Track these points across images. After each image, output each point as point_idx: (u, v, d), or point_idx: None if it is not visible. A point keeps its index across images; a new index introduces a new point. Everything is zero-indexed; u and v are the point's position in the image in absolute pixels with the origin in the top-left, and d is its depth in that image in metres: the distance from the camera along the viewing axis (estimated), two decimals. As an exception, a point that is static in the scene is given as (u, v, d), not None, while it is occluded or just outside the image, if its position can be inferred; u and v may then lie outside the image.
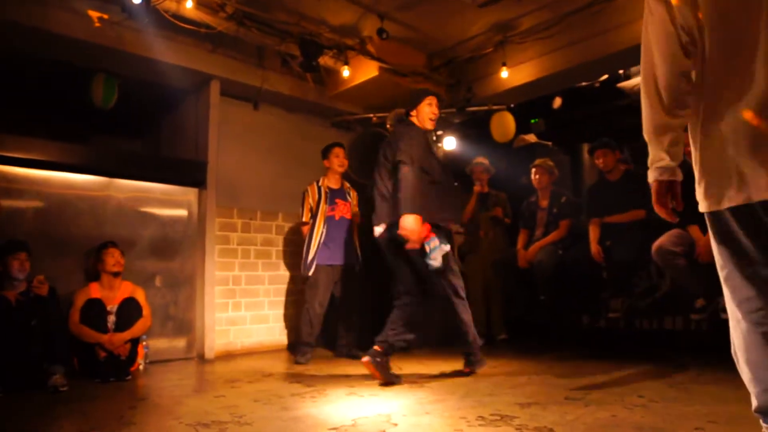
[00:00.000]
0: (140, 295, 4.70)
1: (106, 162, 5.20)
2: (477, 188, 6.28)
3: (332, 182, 5.40)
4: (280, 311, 6.18)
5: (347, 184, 5.60)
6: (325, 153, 5.45)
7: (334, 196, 5.33)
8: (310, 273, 5.16)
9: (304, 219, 5.33)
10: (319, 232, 5.17)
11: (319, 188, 5.32)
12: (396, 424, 2.63)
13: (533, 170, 5.81)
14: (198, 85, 5.81)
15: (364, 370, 3.76)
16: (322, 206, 5.25)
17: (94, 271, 4.72)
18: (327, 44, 5.58)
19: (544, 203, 5.72)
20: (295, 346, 5.51)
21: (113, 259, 4.59)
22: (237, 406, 3.10)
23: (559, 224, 5.55)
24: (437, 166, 4.03)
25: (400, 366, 4.29)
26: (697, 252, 4.20)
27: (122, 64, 5.25)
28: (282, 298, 6.23)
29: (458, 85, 6.69)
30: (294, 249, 6.10)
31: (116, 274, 4.62)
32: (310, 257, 5.17)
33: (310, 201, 5.31)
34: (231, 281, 5.88)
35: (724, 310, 4.26)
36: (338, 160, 5.35)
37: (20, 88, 5.72)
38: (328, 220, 5.22)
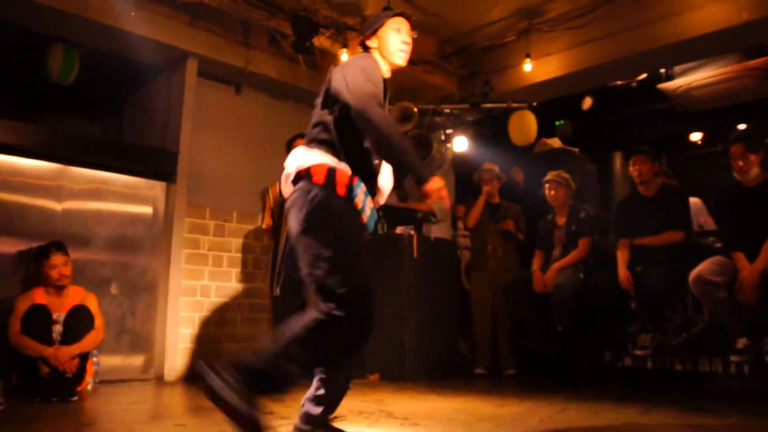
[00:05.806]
0: (92, 303, 4.66)
1: (60, 146, 5.20)
2: (487, 187, 6.30)
3: None
4: (255, 330, 6.15)
5: None
6: (288, 146, 5.04)
7: None
8: (279, 291, 4.86)
9: (263, 225, 5.24)
10: (284, 239, 5.05)
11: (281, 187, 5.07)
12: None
13: (546, 185, 5.81)
14: (172, 63, 5.82)
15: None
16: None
17: (35, 277, 4.63)
18: (323, 23, 5.59)
19: (561, 220, 5.72)
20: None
21: (56, 272, 4.47)
22: (199, 437, 3.10)
23: (578, 243, 5.54)
24: None
25: (390, 401, 4.28)
26: (738, 283, 4.20)
27: (84, 33, 5.26)
28: (259, 315, 6.22)
29: (473, 78, 6.71)
30: (274, 258, 6.09)
31: (61, 287, 4.55)
32: (277, 271, 4.93)
33: (271, 203, 5.22)
34: (199, 292, 5.87)
35: (769, 353, 4.24)
36: None
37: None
38: None
